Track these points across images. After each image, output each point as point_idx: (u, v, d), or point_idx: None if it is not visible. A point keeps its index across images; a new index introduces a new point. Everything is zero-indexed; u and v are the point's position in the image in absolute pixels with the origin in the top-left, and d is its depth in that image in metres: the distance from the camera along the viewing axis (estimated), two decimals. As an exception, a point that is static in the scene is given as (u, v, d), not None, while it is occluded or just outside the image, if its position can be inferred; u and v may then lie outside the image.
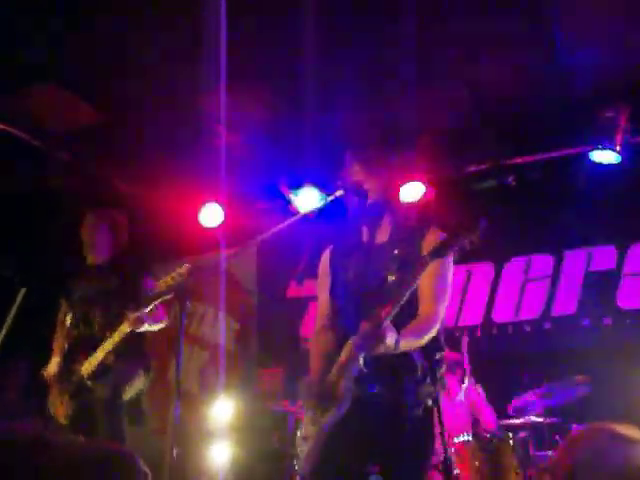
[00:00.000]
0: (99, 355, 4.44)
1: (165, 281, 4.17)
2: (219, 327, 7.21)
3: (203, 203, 6.90)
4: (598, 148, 5.73)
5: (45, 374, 4.73)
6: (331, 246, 3.41)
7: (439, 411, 3.05)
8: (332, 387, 2.93)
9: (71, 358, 4.63)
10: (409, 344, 2.91)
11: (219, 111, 5.55)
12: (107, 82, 5.54)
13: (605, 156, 5.77)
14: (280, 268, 7.05)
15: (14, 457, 1.32)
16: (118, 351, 4.44)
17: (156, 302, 4.32)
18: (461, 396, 5.57)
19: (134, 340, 4.52)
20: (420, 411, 2.96)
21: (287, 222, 3.38)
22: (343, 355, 2.93)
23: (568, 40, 4.99)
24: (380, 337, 2.74)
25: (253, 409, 6.56)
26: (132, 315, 4.35)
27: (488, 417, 5.55)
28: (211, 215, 6.91)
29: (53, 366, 4.71)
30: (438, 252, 2.82)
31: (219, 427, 5.90)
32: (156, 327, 4.62)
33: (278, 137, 6.00)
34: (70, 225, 6.44)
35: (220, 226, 6.86)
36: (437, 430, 3.08)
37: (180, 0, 4.64)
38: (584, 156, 5.90)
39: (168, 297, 4.25)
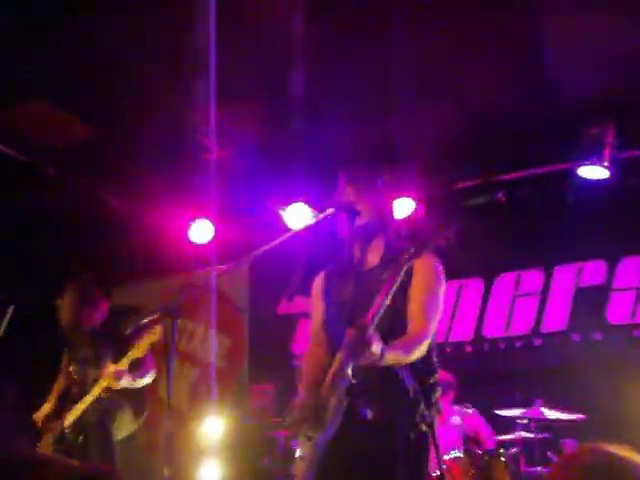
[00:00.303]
0: (80, 407, 4.74)
1: (139, 344, 4.55)
2: (210, 344, 7.18)
3: (193, 219, 6.88)
4: (586, 164, 5.76)
5: (36, 417, 5.04)
6: (324, 270, 3.38)
7: (434, 436, 2.98)
8: (324, 404, 2.89)
9: (61, 407, 4.96)
10: (396, 358, 2.85)
11: (209, 126, 5.55)
12: (96, 98, 5.53)
13: (593, 172, 5.80)
14: (271, 285, 7.04)
15: (5, 476, 1.30)
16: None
17: (129, 360, 4.62)
18: (455, 419, 5.56)
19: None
20: (413, 436, 2.91)
21: (279, 239, 3.37)
22: (332, 369, 2.87)
23: (554, 58, 5.03)
24: (366, 343, 2.66)
25: (244, 426, 6.52)
26: (108, 370, 4.64)
27: (486, 435, 5.53)
28: (201, 231, 6.89)
29: (43, 410, 5.03)
30: (419, 250, 2.82)
31: (210, 445, 5.85)
32: (143, 382, 4.87)
33: (268, 153, 6.00)
34: (58, 241, 6.44)
35: (210, 242, 6.84)
36: (432, 455, 3.04)
37: (170, 16, 4.64)
38: (573, 172, 5.92)
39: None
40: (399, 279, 2.83)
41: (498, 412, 5.35)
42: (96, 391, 4.70)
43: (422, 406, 2.93)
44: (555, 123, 5.65)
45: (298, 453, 3.01)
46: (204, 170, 5.96)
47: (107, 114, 5.78)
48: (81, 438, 4.75)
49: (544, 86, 5.32)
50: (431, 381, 3.02)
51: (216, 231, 6.80)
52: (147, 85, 5.38)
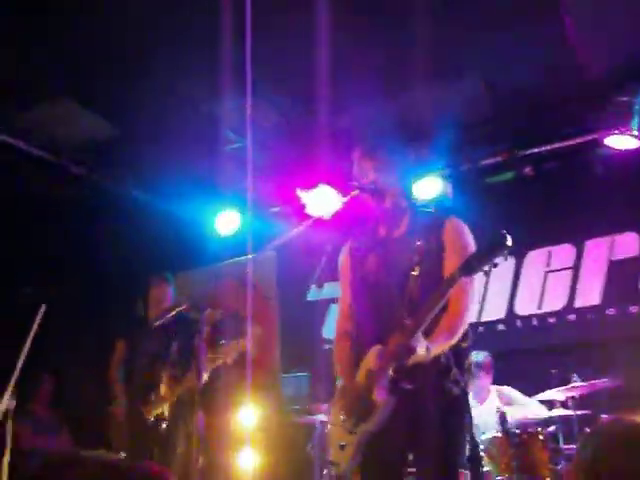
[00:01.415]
0: (167, 399, 5.07)
1: (228, 352, 4.96)
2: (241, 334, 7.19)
3: (219, 210, 6.89)
4: (614, 133, 5.65)
5: (112, 410, 5.41)
6: (349, 242, 3.37)
7: (467, 400, 3.04)
8: (365, 397, 2.94)
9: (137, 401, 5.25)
10: (441, 347, 2.93)
11: (232, 116, 5.54)
12: (119, 93, 5.55)
13: (622, 141, 5.69)
14: (299, 271, 7.02)
15: (46, 473, 1.29)
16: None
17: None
18: (493, 399, 5.52)
19: None
20: (445, 401, 2.95)
21: (304, 225, 3.35)
22: (371, 363, 2.94)
23: (579, 27, 4.92)
24: (411, 351, 2.77)
25: (278, 414, 6.52)
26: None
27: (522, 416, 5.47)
28: (228, 222, 6.90)
29: (121, 405, 5.40)
30: (467, 269, 2.79)
31: (245, 433, 5.87)
32: None
33: (292, 139, 5.97)
34: (86, 240, 6.48)
35: (237, 232, 6.85)
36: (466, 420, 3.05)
37: (191, 8, 4.63)
38: (600, 142, 5.81)
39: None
40: (443, 301, 2.84)
41: (536, 398, 5.29)
42: (181, 388, 5.00)
43: (455, 371, 2.98)
44: (581, 93, 5.55)
45: (337, 441, 3.03)
46: (228, 160, 5.95)
47: (131, 109, 5.79)
48: (164, 429, 5.04)
49: (570, 56, 5.20)
50: (463, 346, 3.05)
51: (243, 221, 6.80)
52: (171, 78, 5.38)
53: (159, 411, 5.11)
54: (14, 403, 4.67)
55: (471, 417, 3.07)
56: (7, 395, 4.67)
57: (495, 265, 2.79)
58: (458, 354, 3.01)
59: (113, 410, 5.48)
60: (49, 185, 6.49)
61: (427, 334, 2.85)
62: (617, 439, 1.64)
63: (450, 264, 2.96)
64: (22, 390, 4.61)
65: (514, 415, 5.08)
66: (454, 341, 2.96)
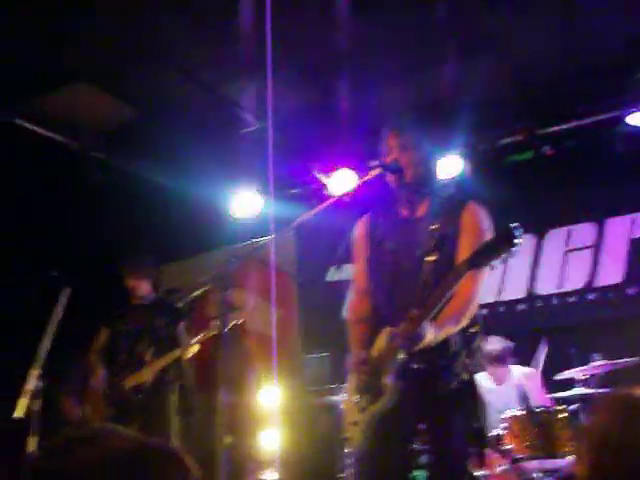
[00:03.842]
0: (145, 372, 5.18)
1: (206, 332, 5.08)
2: (262, 314, 7.23)
3: (239, 192, 6.91)
4: (635, 111, 5.60)
5: (90, 383, 5.41)
6: (365, 218, 3.37)
7: (475, 384, 3.09)
8: (376, 378, 2.98)
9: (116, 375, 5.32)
10: (449, 331, 2.96)
11: (251, 97, 5.54)
12: (138, 77, 5.57)
13: (642, 119, 5.64)
14: (318, 252, 7.04)
15: (65, 457, 1.26)
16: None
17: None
18: (513, 377, 5.51)
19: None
20: (455, 384, 2.99)
21: (323, 206, 3.35)
22: (382, 345, 2.99)
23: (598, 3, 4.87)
24: (420, 338, 2.81)
25: (300, 394, 6.57)
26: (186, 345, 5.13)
27: (541, 398, 5.47)
28: (247, 203, 6.92)
29: (99, 377, 5.40)
30: (473, 263, 2.78)
31: (268, 413, 5.92)
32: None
33: (311, 121, 5.96)
34: (108, 223, 6.52)
35: (257, 214, 6.87)
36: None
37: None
38: (621, 120, 5.76)
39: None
40: (450, 292, 2.86)
41: (557, 377, 5.28)
42: (165, 361, 5.10)
43: (463, 356, 3.01)
44: (601, 71, 5.49)
45: (351, 419, 3.08)
46: (248, 142, 5.96)
47: (151, 93, 5.81)
48: (140, 402, 5.11)
49: (590, 32, 5.15)
50: (472, 330, 3.07)
51: (262, 202, 6.82)
52: (189, 61, 5.38)
53: (140, 381, 5.18)
54: (41, 384, 4.75)
55: (481, 401, 3.11)
56: (34, 377, 4.75)
57: (506, 260, 2.78)
58: (467, 339, 3.04)
59: (90, 383, 5.47)
60: (69, 170, 6.53)
61: (434, 318, 2.88)
62: (626, 409, 1.66)
63: (463, 252, 2.97)
64: (50, 372, 4.67)
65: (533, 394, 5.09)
66: (460, 326, 2.99)
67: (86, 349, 5.58)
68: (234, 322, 4.70)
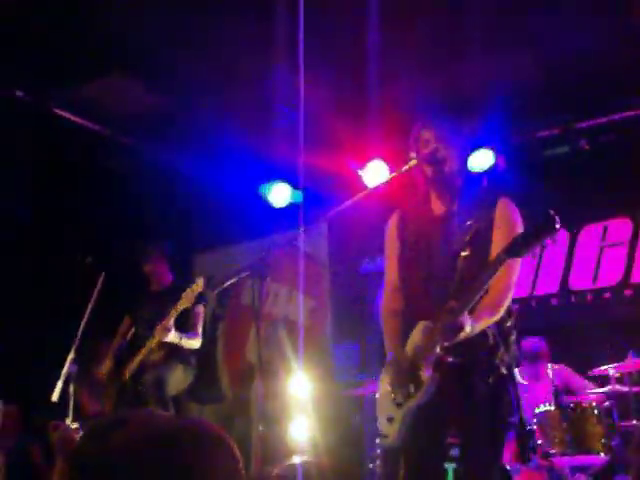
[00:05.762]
0: (137, 359, 5.15)
1: (186, 296, 4.86)
2: (295, 304, 7.26)
3: (272, 182, 6.94)
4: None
5: (99, 373, 5.43)
6: (398, 212, 3.37)
7: (513, 378, 3.06)
8: (412, 372, 2.98)
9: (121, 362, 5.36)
10: (485, 323, 2.94)
11: (284, 89, 5.54)
12: (170, 66, 5.60)
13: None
14: (352, 243, 7.04)
15: (91, 438, 1.27)
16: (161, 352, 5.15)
17: (176, 313, 4.92)
18: (546, 372, 5.47)
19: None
20: (492, 379, 2.98)
21: (357, 197, 3.36)
22: (418, 339, 2.99)
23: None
24: (460, 329, 2.79)
25: (331, 384, 6.59)
26: (159, 326, 4.96)
27: (580, 386, 5.41)
28: (280, 194, 6.95)
29: (105, 366, 5.42)
30: (513, 250, 2.76)
31: (298, 403, 5.94)
32: (190, 344, 5.19)
33: (345, 113, 5.96)
34: (138, 210, 6.59)
35: (290, 204, 6.89)
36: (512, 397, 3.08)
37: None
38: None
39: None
40: (489, 282, 2.85)
41: (590, 374, 5.23)
42: (150, 344, 5.05)
43: (501, 350, 3.00)
44: (637, 64, 5.41)
45: (386, 414, 3.07)
46: (282, 134, 5.97)
47: (182, 81, 5.84)
48: (141, 389, 5.11)
49: (628, 24, 5.07)
50: (508, 324, 3.07)
51: (295, 193, 6.84)
52: (222, 50, 5.40)
53: (131, 370, 5.18)
54: (76, 368, 4.84)
55: (518, 395, 3.09)
56: (69, 361, 4.84)
57: (544, 247, 2.77)
58: (504, 333, 3.03)
59: (95, 373, 5.51)
60: (101, 156, 6.60)
61: (470, 310, 2.87)
62: None
63: (498, 245, 2.95)
64: (83, 356, 4.75)
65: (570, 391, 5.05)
66: (496, 318, 2.97)
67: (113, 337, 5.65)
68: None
